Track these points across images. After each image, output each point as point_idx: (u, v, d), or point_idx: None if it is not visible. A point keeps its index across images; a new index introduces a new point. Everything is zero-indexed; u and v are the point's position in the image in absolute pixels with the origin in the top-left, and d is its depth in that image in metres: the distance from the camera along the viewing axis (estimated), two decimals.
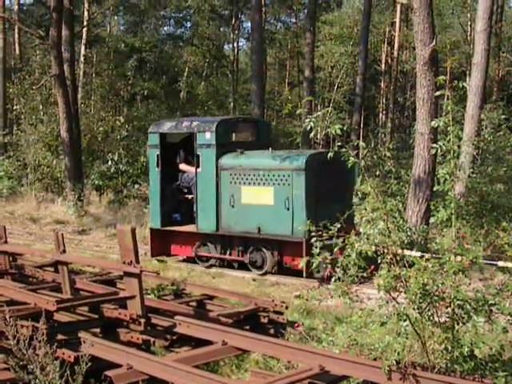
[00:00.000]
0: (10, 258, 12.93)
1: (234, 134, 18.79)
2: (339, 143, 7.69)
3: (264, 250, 16.62)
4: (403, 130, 48.30)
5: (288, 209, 16.03)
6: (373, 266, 7.42)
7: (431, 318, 7.39)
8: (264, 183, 16.52)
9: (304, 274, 14.88)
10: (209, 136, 17.23)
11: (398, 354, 6.92)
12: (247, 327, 10.41)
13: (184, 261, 18.28)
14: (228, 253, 17.35)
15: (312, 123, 7.55)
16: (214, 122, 17.80)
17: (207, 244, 17.67)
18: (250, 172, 16.72)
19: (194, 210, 17.87)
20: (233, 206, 16.95)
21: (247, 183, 16.80)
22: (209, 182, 17.32)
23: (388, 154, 25.27)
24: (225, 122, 18.24)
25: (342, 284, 7.48)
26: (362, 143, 7.85)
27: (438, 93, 8.05)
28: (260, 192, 16.59)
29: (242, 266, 17.12)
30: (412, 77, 48.89)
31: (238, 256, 17.16)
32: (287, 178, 16.11)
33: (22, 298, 9.28)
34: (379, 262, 7.48)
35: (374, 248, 7.41)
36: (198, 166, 17.52)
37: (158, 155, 18.32)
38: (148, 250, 18.37)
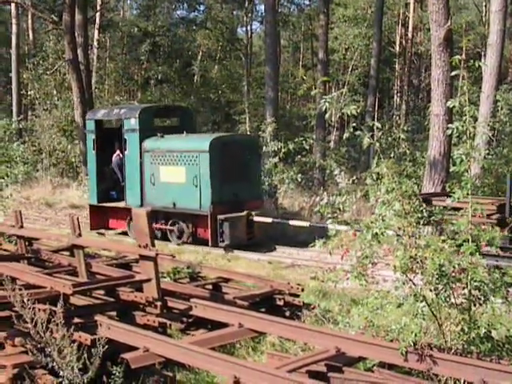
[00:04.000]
0: (27, 243, 12.97)
1: (157, 120, 21.43)
2: (354, 124, 7.65)
3: (180, 222, 18.63)
4: (418, 112, 47.88)
5: (196, 186, 18.07)
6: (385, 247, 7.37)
7: (447, 299, 7.36)
8: (177, 163, 18.62)
9: (209, 243, 17.66)
10: (133, 122, 19.46)
11: (415, 335, 6.90)
12: (263, 310, 10.42)
13: (121, 233, 20.33)
14: (154, 224, 18.44)
15: (327, 104, 7.50)
16: (137, 109, 20.19)
17: None
18: (166, 153, 18.83)
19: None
20: (153, 184, 19.11)
21: (165, 163, 18.91)
22: (134, 163, 19.50)
23: (403, 136, 25.17)
24: (148, 109, 20.66)
25: (357, 265, 7.45)
26: (377, 124, 7.78)
27: (454, 73, 7.97)
28: (174, 171, 18.68)
29: (165, 237, 19.01)
30: (427, 58, 48.50)
31: (162, 228, 19.09)
32: (195, 158, 18.17)
33: (39, 282, 9.31)
34: (395, 243, 7.44)
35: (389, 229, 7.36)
36: (125, 149, 19.80)
37: (93, 139, 20.71)
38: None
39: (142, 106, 22.90)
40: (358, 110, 7.78)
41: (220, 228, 17.60)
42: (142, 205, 19.03)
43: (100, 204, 20.64)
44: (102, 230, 20.26)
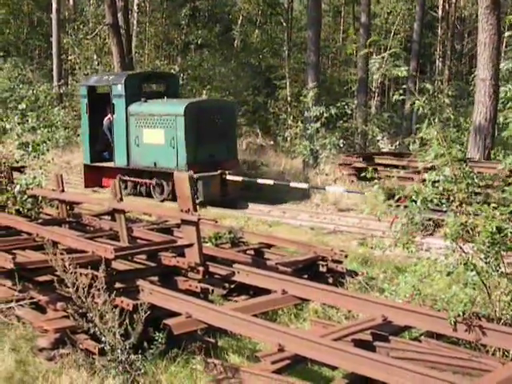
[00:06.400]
0: (68, 207, 12.95)
1: (144, 86, 22.64)
2: (404, 86, 7.42)
3: (162, 180, 20.08)
4: (460, 77, 47.16)
5: (173, 147, 19.57)
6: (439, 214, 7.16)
7: (498, 268, 7.15)
8: (158, 126, 20.11)
9: None
10: (120, 88, 20.96)
11: (465, 304, 6.71)
12: (305, 276, 10.28)
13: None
14: (139, 183, 20.87)
15: (377, 64, 7.25)
16: (124, 75, 21.80)
17: (125, 176, 21.14)
18: (148, 117, 20.35)
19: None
20: (138, 145, 20.63)
21: (147, 126, 20.40)
22: (121, 125, 21.02)
23: (447, 100, 24.76)
24: (133, 75, 22.51)
25: (406, 233, 7.24)
26: (428, 85, 7.52)
27: (507, 33, 7.67)
28: (155, 133, 20.19)
29: (149, 194, 20.58)
30: (470, 23, 47.65)
31: (146, 186, 20.67)
32: (172, 121, 19.63)
33: (81, 247, 9.22)
34: (445, 210, 7.23)
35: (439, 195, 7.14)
36: (113, 113, 21.33)
37: (86, 104, 22.30)
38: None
39: (129, 72, 24.52)
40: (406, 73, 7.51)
41: (195, 186, 18.53)
42: (128, 164, 20.90)
43: (93, 164, 22.34)
44: (96, 188, 21.89)
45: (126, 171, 21.16)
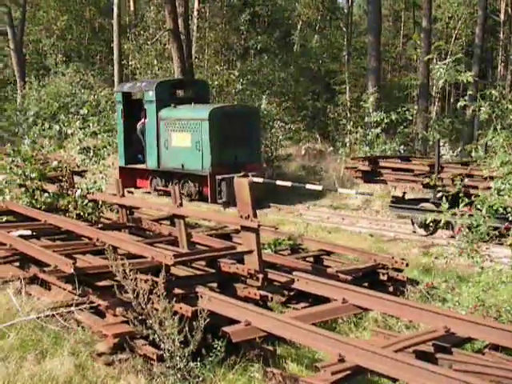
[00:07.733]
0: (128, 212, 13.00)
1: (175, 92, 24.00)
2: (470, 92, 7.26)
3: (189, 181, 21.52)
4: None
5: (199, 150, 20.96)
6: (507, 224, 6.97)
7: None
8: (185, 130, 21.52)
9: (209, 200, 20.43)
10: (151, 94, 22.44)
11: None
12: (365, 284, 10.13)
13: (147, 193, 23.24)
14: (169, 184, 21.83)
15: (442, 69, 7.10)
16: (155, 82, 23.21)
17: (156, 177, 22.81)
18: (176, 121, 21.85)
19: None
20: (167, 148, 22.11)
21: (175, 130, 21.87)
22: (152, 129, 22.52)
23: (510, 106, 24.28)
24: (163, 82, 23.76)
25: (471, 242, 7.07)
26: (494, 91, 7.35)
27: None
28: (182, 137, 21.59)
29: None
30: None
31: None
32: (198, 125, 21.07)
33: (140, 252, 9.21)
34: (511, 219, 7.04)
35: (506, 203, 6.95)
36: (145, 118, 22.83)
37: (121, 109, 23.80)
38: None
39: (160, 79, 26.35)
40: (471, 78, 7.35)
41: (219, 187, 20.21)
42: (158, 166, 22.34)
43: (127, 166, 23.73)
44: (132, 189, 22.18)
45: (156, 173, 22.64)
